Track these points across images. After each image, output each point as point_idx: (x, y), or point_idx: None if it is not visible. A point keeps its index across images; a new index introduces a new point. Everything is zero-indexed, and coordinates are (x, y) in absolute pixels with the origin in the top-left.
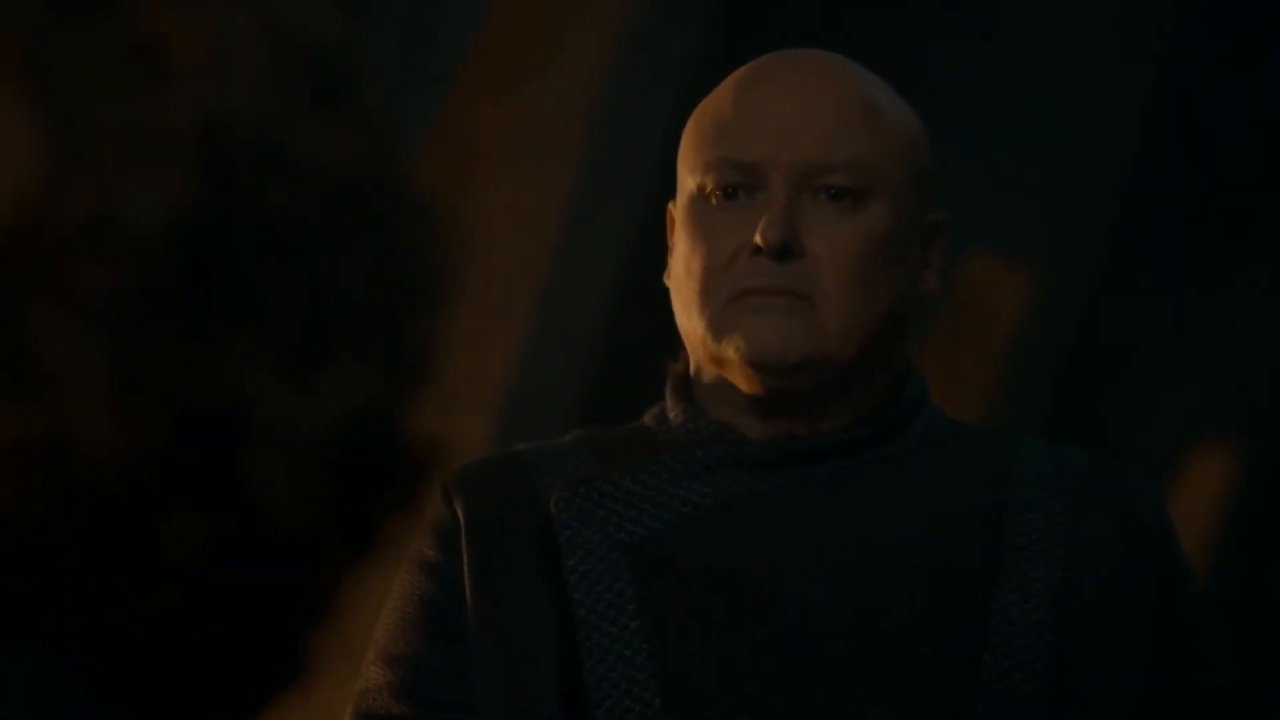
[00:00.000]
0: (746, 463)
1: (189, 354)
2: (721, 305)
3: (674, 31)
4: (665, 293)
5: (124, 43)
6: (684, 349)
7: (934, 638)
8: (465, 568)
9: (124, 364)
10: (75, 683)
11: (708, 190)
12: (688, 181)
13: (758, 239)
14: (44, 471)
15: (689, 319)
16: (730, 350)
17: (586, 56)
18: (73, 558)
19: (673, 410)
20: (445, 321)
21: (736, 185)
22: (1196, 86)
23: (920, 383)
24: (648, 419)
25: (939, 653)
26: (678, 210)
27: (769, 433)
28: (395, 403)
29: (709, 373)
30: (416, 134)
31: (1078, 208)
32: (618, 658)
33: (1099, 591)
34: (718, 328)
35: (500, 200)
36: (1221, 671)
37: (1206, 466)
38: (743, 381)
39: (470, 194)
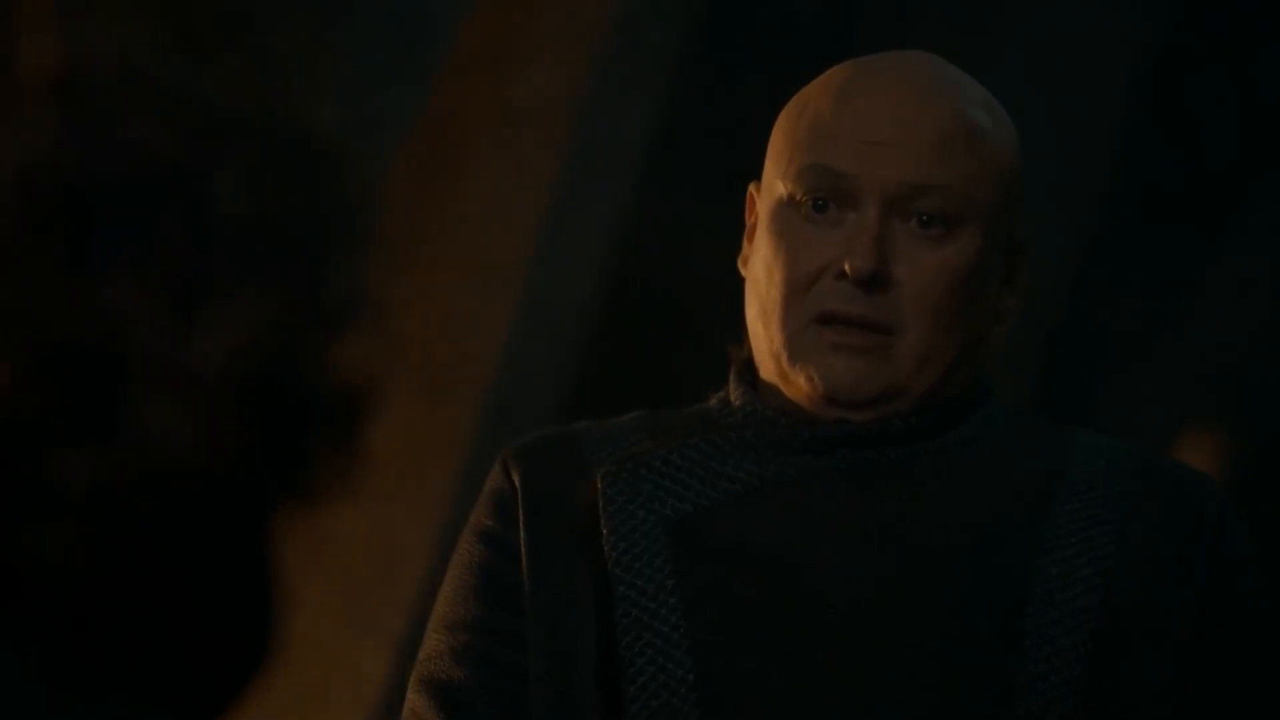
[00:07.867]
0: (797, 445)
1: (59, 290)
2: (802, 326)
3: (660, 21)
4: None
5: None
6: (747, 335)
7: (971, 623)
8: (522, 537)
9: None
10: None
11: (798, 198)
12: (776, 185)
13: (846, 267)
14: None
15: (765, 327)
16: (803, 379)
17: (573, 45)
18: None
19: (735, 395)
20: (363, 264)
21: (827, 198)
22: (1179, 74)
23: (986, 375)
24: (712, 401)
25: (976, 638)
26: (763, 209)
27: (828, 418)
28: (311, 342)
29: (769, 367)
30: (403, 121)
31: (1060, 196)
32: (654, 634)
33: (1144, 584)
34: (793, 350)
35: (486, 188)
36: (1267, 675)
37: (1192, 455)
38: (809, 404)
39: (456, 181)
